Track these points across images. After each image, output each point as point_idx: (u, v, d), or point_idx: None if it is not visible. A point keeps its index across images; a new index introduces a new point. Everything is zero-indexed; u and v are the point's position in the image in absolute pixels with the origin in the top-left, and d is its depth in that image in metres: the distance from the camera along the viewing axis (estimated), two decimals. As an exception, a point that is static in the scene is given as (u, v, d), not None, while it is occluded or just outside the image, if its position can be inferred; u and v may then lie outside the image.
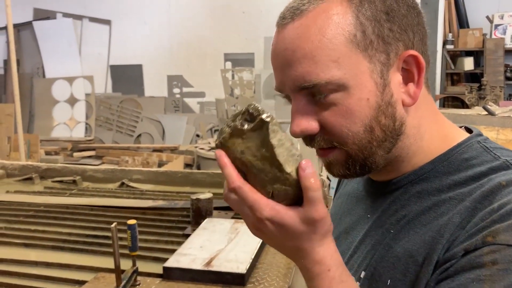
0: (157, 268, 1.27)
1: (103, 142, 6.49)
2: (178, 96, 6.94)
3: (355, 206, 0.81)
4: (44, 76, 7.03)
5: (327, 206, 0.61)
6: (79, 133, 6.67)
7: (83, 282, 1.22)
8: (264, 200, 0.59)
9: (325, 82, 0.62)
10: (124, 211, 1.81)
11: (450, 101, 6.33)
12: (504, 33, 6.04)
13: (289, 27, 0.64)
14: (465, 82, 6.22)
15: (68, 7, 7.01)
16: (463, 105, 5.85)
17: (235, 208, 0.63)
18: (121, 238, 1.27)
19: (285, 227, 0.59)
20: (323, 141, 0.66)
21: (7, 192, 2.15)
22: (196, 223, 1.57)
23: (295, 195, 0.59)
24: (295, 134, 0.67)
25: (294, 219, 0.59)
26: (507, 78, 6.06)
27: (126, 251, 1.16)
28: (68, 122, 6.74)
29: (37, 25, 7.01)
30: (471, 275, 0.56)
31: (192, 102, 6.90)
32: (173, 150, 5.41)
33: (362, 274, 0.71)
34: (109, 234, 1.18)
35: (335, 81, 0.62)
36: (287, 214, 0.59)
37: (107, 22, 7.03)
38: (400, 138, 0.67)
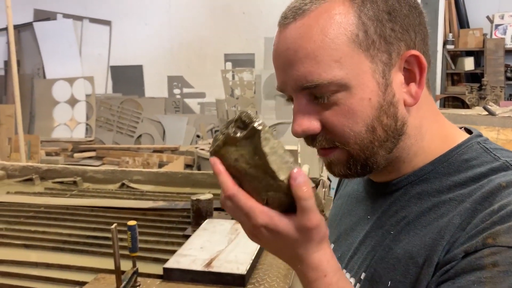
0: (157, 269, 1.27)
1: (103, 143, 6.48)
2: (178, 96, 6.93)
3: (355, 207, 0.81)
4: (44, 77, 7.02)
5: (322, 211, 0.60)
6: (79, 134, 6.66)
7: (83, 283, 1.22)
8: (259, 207, 0.59)
9: (327, 82, 0.62)
10: (125, 212, 1.82)
11: (451, 101, 6.33)
12: (505, 33, 6.03)
13: (291, 27, 0.64)
14: (465, 82, 6.21)
15: (68, 8, 7.01)
16: (463, 105, 5.85)
17: (231, 214, 0.62)
18: (121, 239, 1.27)
19: (280, 234, 0.59)
20: (325, 141, 0.66)
21: (8, 193, 2.15)
22: (197, 224, 1.57)
23: (289, 202, 0.59)
24: (297, 134, 0.66)
25: (289, 226, 0.59)
26: (508, 78, 6.05)
27: (126, 252, 1.16)
28: (68, 123, 6.74)
29: (37, 26, 7.00)
30: (471, 277, 0.55)
31: (192, 103, 6.90)
32: (174, 150, 5.41)
33: (363, 275, 0.70)
34: (109, 235, 1.18)
35: (337, 81, 0.62)
36: (282, 222, 0.59)
37: (108, 22, 7.03)
38: (401, 138, 0.67)
